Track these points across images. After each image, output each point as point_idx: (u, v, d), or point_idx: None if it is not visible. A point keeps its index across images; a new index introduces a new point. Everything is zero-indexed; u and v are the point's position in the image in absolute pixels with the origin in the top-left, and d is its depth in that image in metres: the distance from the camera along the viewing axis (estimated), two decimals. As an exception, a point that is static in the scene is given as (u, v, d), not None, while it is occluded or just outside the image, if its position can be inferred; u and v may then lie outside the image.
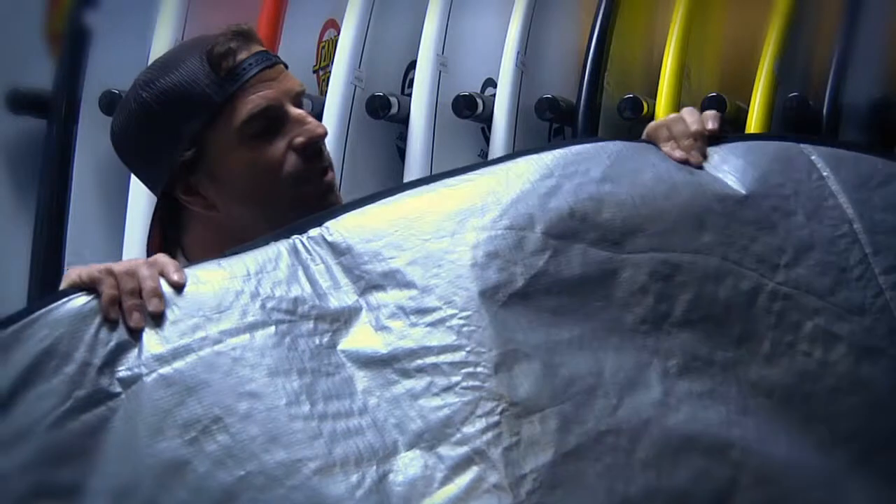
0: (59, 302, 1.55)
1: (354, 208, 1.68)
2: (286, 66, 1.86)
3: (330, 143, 2.52)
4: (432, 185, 1.70)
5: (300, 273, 1.62)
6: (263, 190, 1.80)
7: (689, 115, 1.82)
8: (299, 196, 1.79)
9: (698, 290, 1.63)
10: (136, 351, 1.53)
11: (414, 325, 1.57)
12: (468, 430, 1.49)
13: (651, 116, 2.64)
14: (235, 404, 1.51)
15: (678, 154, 1.76)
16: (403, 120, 2.71)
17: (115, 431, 1.50)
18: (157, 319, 1.56)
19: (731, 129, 1.79)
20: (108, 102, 2.74)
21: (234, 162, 1.79)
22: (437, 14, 2.70)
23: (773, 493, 1.55)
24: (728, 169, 1.74)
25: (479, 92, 2.77)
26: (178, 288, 1.58)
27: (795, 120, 2.64)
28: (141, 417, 1.50)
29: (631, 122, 2.69)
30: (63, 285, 1.60)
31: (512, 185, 1.65)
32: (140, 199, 2.63)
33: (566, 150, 1.70)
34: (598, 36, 2.67)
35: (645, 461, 1.51)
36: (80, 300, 1.55)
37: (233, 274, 1.60)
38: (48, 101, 2.79)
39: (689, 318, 1.61)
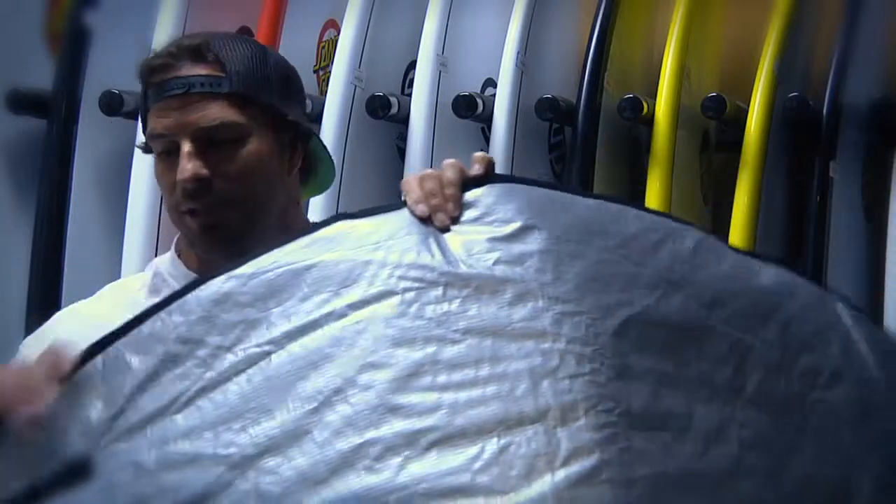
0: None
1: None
2: (235, 91, 1.83)
3: (330, 143, 2.53)
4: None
5: (431, 240, 1.62)
6: (166, 203, 1.87)
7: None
8: (182, 224, 1.84)
9: (764, 376, 1.65)
10: (264, 329, 1.55)
11: (546, 309, 1.58)
12: (590, 420, 1.50)
13: (651, 116, 2.64)
14: (357, 376, 1.52)
15: None
16: (403, 120, 2.71)
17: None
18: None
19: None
20: (108, 102, 2.74)
21: (155, 169, 1.86)
22: (437, 14, 2.71)
23: None
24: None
25: (479, 92, 2.77)
26: None
27: (795, 120, 2.64)
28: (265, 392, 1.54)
29: (631, 122, 2.69)
30: None
31: (632, 223, 1.69)
32: (140, 199, 2.64)
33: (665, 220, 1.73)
34: (598, 36, 2.67)
35: None
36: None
37: (361, 242, 1.61)
38: (48, 101, 2.78)
39: (758, 400, 1.64)
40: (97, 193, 2.78)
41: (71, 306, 1.92)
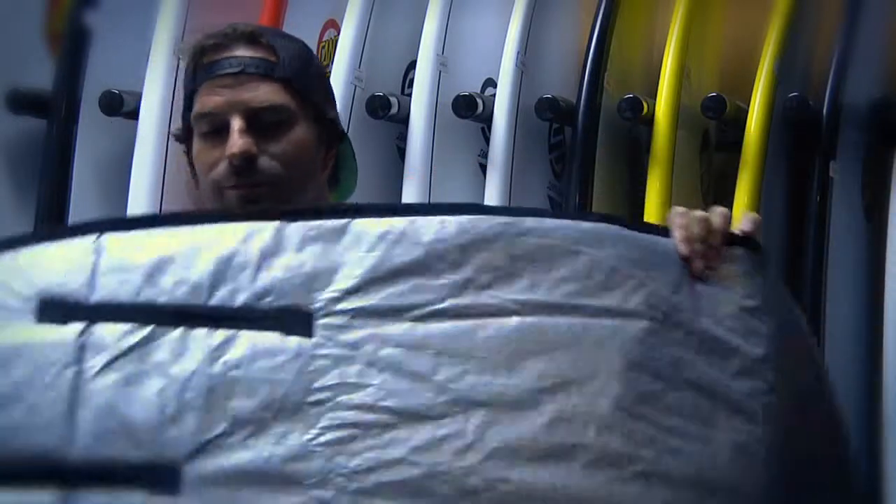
0: None
1: None
2: (286, 76, 1.88)
3: (330, 143, 2.53)
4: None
5: (685, 283, 1.68)
6: (204, 184, 1.89)
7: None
8: (222, 200, 1.87)
9: None
10: (517, 286, 1.63)
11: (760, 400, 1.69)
12: None
13: (651, 116, 2.64)
14: (585, 380, 1.59)
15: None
16: (403, 120, 2.71)
17: None
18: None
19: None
20: (108, 102, 2.75)
21: (194, 148, 1.90)
22: (437, 14, 2.70)
23: None
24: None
25: (479, 92, 2.77)
26: None
27: (795, 120, 2.64)
28: None
29: (631, 122, 2.69)
30: None
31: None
32: (140, 200, 2.64)
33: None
34: (598, 36, 2.67)
35: None
36: None
37: (630, 255, 1.66)
38: (48, 101, 2.78)
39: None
40: (97, 193, 2.78)
41: None
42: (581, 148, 2.64)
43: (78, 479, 1.51)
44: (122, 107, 2.74)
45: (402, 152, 2.70)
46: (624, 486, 1.57)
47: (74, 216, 2.73)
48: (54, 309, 1.57)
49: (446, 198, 2.62)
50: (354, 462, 1.53)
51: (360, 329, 1.58)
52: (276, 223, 1.61)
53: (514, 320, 1.61)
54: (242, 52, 1.89)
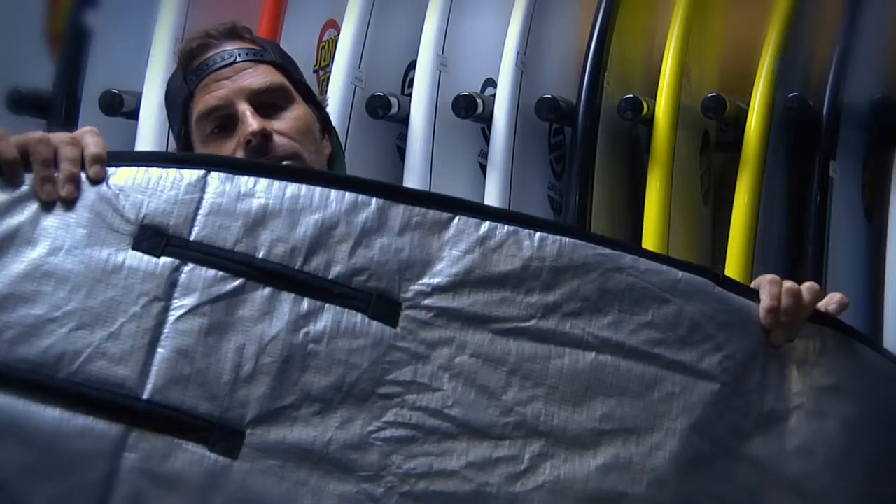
0: None
1: None
2: (275, 61, 1.90)
3: (330, 143, 2.53)
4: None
5: (761, 354, 1.67)
6: None
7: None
8: None
9: None
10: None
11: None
12: None
13: (651, 116, 2.64)
14: (646, 432, 1.59)
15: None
16: (403, 120, 2.71)
17: None
18: None
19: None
20: (108, 102, 2.75)
21: None
22: (437, 14, 2.70)
23: None
24: None
25: (479, 92, 2.77)
26: None
27: (795, 120, 2.64)
28: None
29: (631, 122, 2.69)
30: None
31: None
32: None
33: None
34: (598, 36, 2.67)
35: None
36: None
37: (714, 316, 1.66)
38: (48, 101, 2.78)
39: None
40: (97, 193, 2.78)
41: None
42: (581, 148, 2.63)
43: (144, 418, 1.50)
44: (122, 107, 2.74)
45: (402, 152, 2.70)
46: None
47: (74, 216, 2.73)
48: (153, 238, 1.56)
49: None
50: (409, 465, 1.53)
51: (442, 330, 1.58)
52: (381, 200, 1.60)
53: (591, 356, 1.60)
54: (229, 45, 1.92)
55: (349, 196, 1.59)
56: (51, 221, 1.55)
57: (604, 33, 2.67)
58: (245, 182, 1.59)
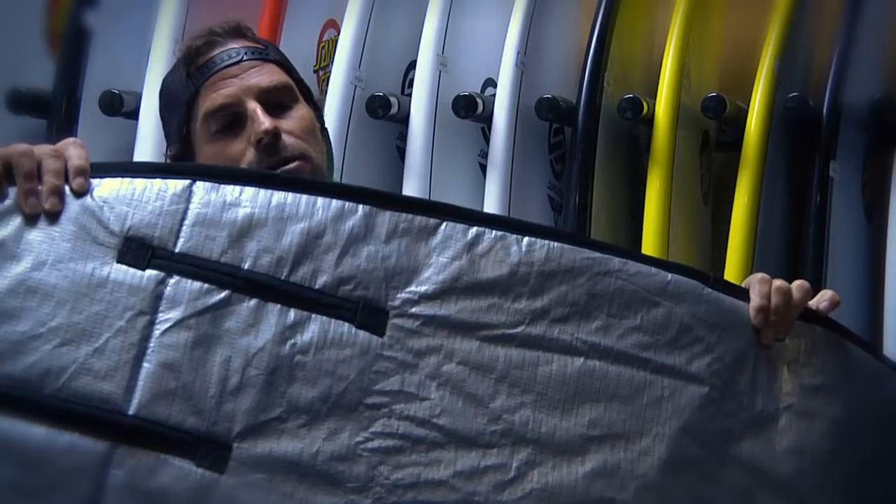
0: None
1: None
2: (278, 60, 1.90)
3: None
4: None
5: (752, 354, 1.65)
6: None
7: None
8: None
9: None
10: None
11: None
12: None
13: (651, 116, 2.64)
14: (635, 437, 1.58)
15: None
16: (403, 120, 2.70)
17: None
18: None
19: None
20: (108, 102, 2.75)
21: (205, 156, 1.86)
22: (437, 14, 2.70)
23: None
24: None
25: (479, 92, 2.77)
26: None
27: (795, 120, 2.64)
28: None
29: (631, 122, 2.69)
30: None
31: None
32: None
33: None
34: (598, 36, 2.67)
35: None
36: None
37: (702, 316, 1.64)
38: (48, 101, 2.78)
39: None
40: (97, 193, 2.78)
41: None
42: (581, 148, 2.63)
43: (130, 434, 1.49)
44: (122, 107, 2.74)
45: (402, 152, 2.70)
46: None
47: (74, 216, 2.73)
48: (138, 251, 1.54)
49: (447, 198, 2.61)
50: (397, 475, 1.52)
51: (429, 338, 1.56)
52: (368, 207, 1.59)
53: (580, 361, 1.59)
54: (234, 44, 1.90)
55: (336, 204, 1.58)
56: (34, 235, 1.53)
57: (604, 33, 2.67)
58: (231, 191, 1.57)
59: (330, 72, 2.70)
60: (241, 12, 2.71)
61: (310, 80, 2.78)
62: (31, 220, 1.53)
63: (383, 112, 2.69)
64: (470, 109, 2.69)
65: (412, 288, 1.57)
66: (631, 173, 2.80)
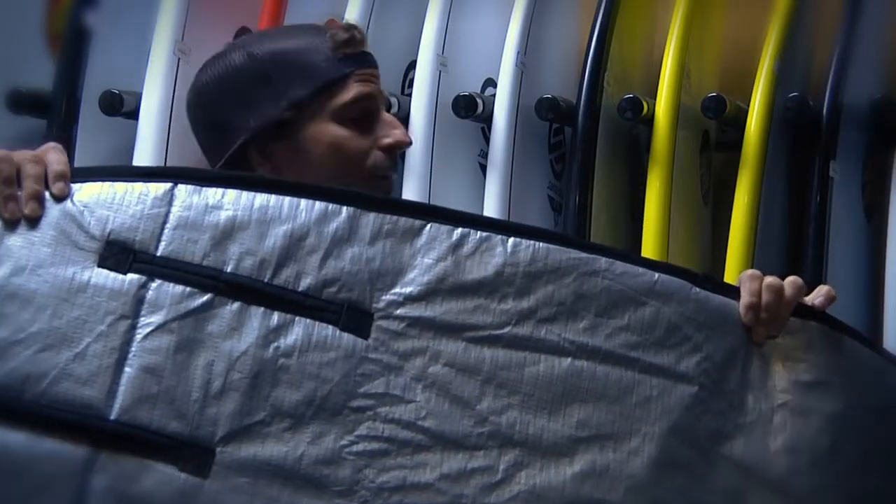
0: None
1: None
2: None
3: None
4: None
5: (742, 353, 1.64)
6: (340, 172, 1.83)
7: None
8: (375, 188, 1.84)
9: None
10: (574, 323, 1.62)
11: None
12: None
13: (651, 116, 2.64)
14: (623, 437, 1.57)
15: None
16: (404, 120, 2.70)
17: None
18: None
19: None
20: (108, 102, 2.74)
21: (324, 137, 1.84)
22: (437, 14, 2.70)
23: None
24: None
25: (479, 92, 2.77)
26: None
27: (795, 120, 2.64)
28: None
29: (631, 122, 2.69)
30: None
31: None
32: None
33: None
34: (598, 36, 2.67)
35: None
36: None
37: (691, 315, 1.64)
38: (48, 101, 2.78)
39: None
40: (97, 193, 2.78)
41: None
42: (581, 148, 2.63)
43: (112, 439, 1.48)
44: (122, 107, 2.74)
45: (402, 152, 2.70)
46: None
47: (74, 216, 2.73)
48: (119, 255, 1.53)
49: (447, 198, 2.61)
50: (382, 478, 1.51)
51: (414, 340, 1.55)
52: (352, 209, 1.58)
53: (567, 362, 1.58)
54: (367, 49, 1.94)
55: (319, 205, 1.57)
56: (14, 241, 1.52)
57: (604, 33, 2.67)
58: (213, 194, 1.57)
59: (330, 72, 2.69)
60: (241, 12, 2.72)
61: (310, 80, 2.79)
62: (10, 226, 1.53)
63: (383, 112, 2.69)
64: (470, 109, 2.69)
65: (397, 290, 1.57)
66: (631, 173, 2.80)
